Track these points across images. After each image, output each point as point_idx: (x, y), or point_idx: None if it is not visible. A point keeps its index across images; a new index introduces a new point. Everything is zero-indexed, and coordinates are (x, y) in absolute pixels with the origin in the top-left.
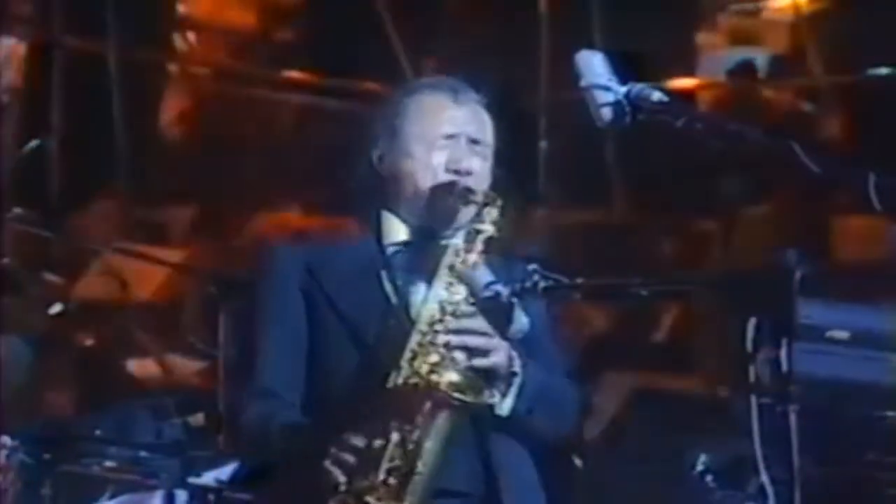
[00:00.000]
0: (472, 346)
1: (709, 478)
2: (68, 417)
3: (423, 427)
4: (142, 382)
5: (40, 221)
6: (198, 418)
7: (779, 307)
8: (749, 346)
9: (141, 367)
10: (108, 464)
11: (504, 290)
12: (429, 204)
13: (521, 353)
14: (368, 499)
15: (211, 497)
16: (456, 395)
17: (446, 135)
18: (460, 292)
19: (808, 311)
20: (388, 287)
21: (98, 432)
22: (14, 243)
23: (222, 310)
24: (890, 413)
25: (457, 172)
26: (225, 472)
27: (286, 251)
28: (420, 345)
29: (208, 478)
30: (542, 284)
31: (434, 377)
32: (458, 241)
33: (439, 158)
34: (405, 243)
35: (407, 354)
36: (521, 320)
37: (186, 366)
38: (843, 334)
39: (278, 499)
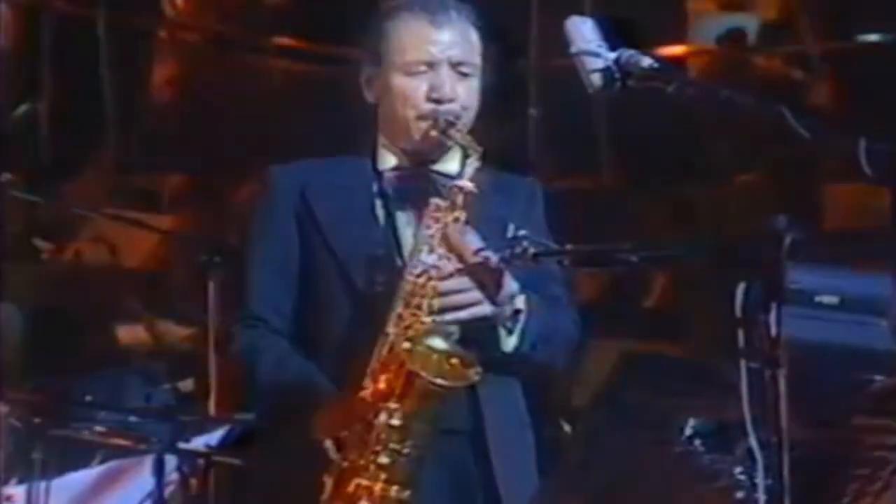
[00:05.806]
0: (461, 303)
1: (697, 442)
2: (59, 383)
3: (408, 409)
4: (132, 348)
5: (30, 187)
6: (187, 384)
7: (768, 272)
8: (738, 311)
9: (131, 333)
10: (99, 429)
11: (493, 256)
12: (414, 133)
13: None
14: (359, 481)
15: (200, 462)
16: (438, 381)
17: (426, 62)
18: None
19: (797, 277)
20: (380, 216)
21: (88, 397)
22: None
23: (212, 276)
24: (877, 377)
25: (438, 102)
26: (214, 437)
27: (283, 172)
28: (407, 304)
29: (198, 443)
30: (531, 250)
31: (420, 347)
32: (438, 200)
33: (420, 88)
34: (398, 167)
35: (394, 315)
36: (510, 286)
37: (176, 332)
38: (832, 299)
39: (268, 463)
